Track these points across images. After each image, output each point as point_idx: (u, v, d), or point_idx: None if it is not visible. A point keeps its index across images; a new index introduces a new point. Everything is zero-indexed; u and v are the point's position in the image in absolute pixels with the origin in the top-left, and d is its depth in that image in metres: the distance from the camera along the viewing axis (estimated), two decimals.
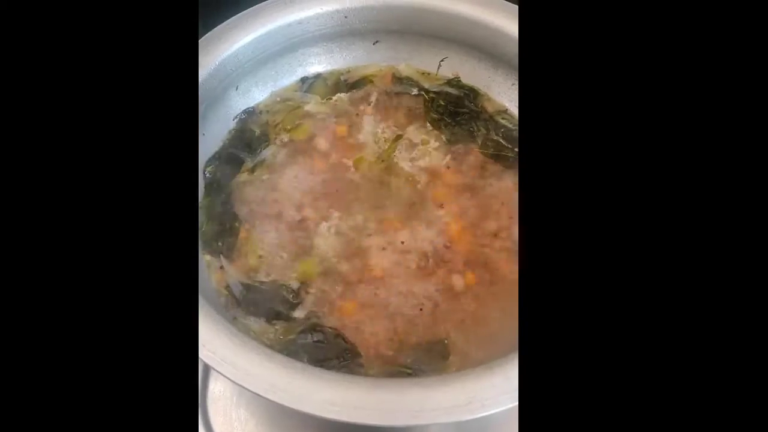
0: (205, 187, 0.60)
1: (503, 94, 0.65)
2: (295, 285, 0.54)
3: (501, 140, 0.63)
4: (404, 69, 0.68)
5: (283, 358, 0.42)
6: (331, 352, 0.50)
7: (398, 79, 0.68)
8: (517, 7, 0.62)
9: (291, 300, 0.53)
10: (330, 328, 0.52)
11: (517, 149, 0.61)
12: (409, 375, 0.49)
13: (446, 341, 0.51)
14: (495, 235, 0.56)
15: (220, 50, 0.60)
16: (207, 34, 0.61)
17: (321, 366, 0.49)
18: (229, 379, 0.41)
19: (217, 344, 0.42)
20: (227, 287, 0.54)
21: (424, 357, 0.51)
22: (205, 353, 0.42)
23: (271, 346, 0.50)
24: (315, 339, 0.51)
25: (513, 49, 0.62)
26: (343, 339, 0.51)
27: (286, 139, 0.64)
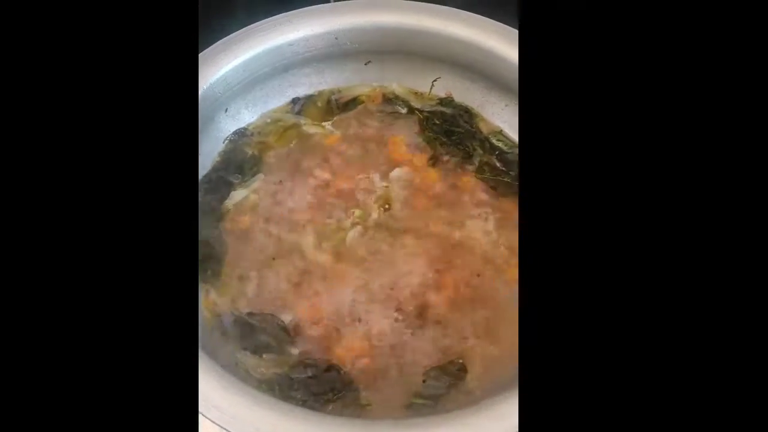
0: None
1: (497, 115, 0.65)
2: (287, 318, 0.53)
3: (497, 162, 0.62)
4: (396, 89, 0.67)
5: (269, 399, 0.41)
6: (326, 385, 0.49)
7: (388, 99, 0.67)
8: (510, 28, 0.62)
9: (283, 334, 0.52)
10: (322, 360, 0.51)
11: (512, 172, 0.60)
12: (412, 406, 0.49)
13: (461, 360, 0.51)
14: (496, 268, 0.56)
15: (209, 73, 0.59)
16: None
17: (316, 399, 0.49)
18: (215, 423, 0.40)
19: (203, 386, 0.41)
20: (218, 317, 0.53)
21: (432, 383, 0.50)
22: None
23: (264, 381, 0.50)
24: (309, 374, 0.50)
25: (506, 70, 0.61)
26: (337, 371, 0.50)
27: (277, 163, 0.62)
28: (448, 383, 0.50)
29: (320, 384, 0.50)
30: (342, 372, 0.50)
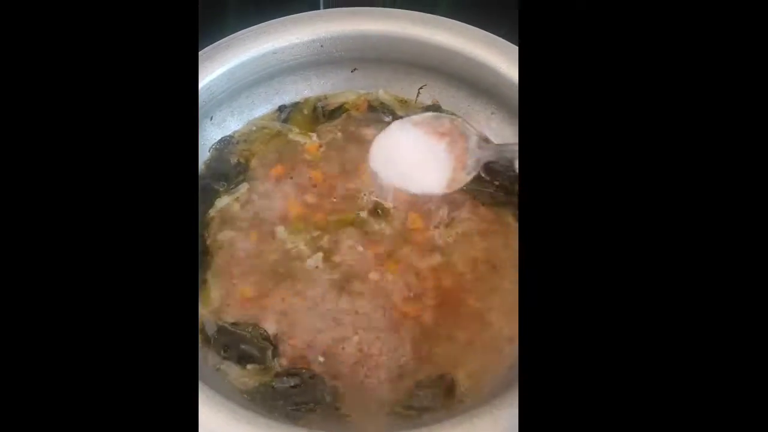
0: None
1: (482, 123, 0.64)
2: (270, 328, 0.53)
3: (482, 173, 0.61)
4: (381, 96, 0.67)
5: (248, 414, 0.41)
6: (309, 395, 0.49)
7: (373, 107, 0.66)
8: (495, 36, 0.61)
9: (266, 344, 0.52)
10: (305, 369, 0.51)
11: (496, 182, 0.60)
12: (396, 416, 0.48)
13: (451, 376, 0.51)
14: (480, 279, 0.56)
15: None
16: None
17: (298, 409, 0.49)
18: None
19: None
20: (200, 326, 0.53)
21: (426, 393, 0.50)
22: None
23: (246, 392, 0.50)
24: (291, 383, 0.50)
25: (492, 78, 0.61)
26: (321, 381, 0.50)
27: (262, 171, 0.62)
28: (435, 395, 0.50)
29: (303, 394, 0.50)
30: (325, 382, 0.50)
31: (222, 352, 0.52)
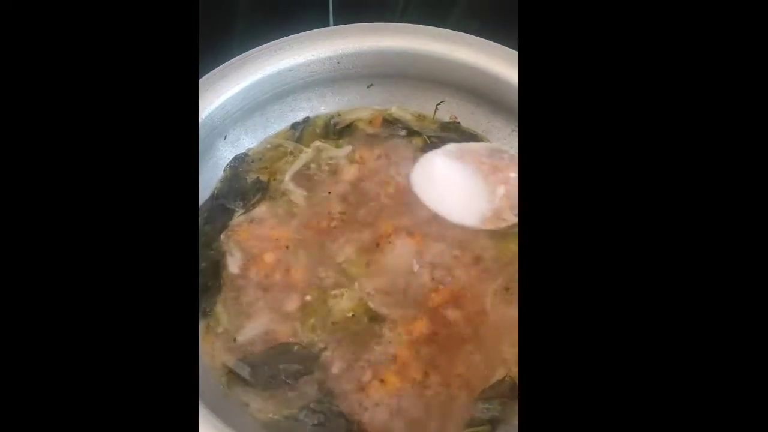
0: None
1: (503, 141, 0.63)
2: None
3: None
4: (396, 111, 0.65)
5: None
6: None
7: (388, 122, 0.65)
8: (516, 53, 0.60)
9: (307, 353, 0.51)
10: (332, 405, 0.49)
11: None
12: None
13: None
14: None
15: (207, 102, 0.58)
16: None
17: None
18: None
19: None
20: (229, 370, 0.51)
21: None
22: None
23: (269, 424, 0.48)
24: (315, 421, 0.49)
25: (513, 95, 0.59)
26: (346, 420, 0.49)
27: (278, 189, 0.61)
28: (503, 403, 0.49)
29: None
30: (351, 423, 0.49)
31: (269, 381, 0.51)
